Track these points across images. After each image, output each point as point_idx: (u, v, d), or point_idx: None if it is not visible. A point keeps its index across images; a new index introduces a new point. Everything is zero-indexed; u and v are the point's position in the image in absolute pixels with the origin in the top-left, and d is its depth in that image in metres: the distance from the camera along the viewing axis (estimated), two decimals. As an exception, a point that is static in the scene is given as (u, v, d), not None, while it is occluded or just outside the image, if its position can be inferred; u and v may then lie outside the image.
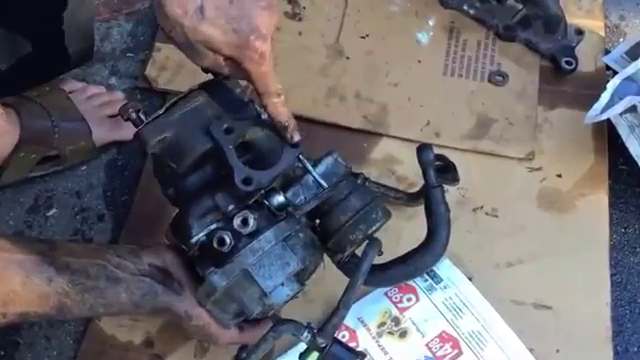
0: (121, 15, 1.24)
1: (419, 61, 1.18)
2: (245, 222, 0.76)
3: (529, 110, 1.13)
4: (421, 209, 0.87)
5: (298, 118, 1.04)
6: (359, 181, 0.88)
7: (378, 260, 0.82)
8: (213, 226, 0.79)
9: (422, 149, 0.85)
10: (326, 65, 1.18)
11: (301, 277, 0.82)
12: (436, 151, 0.86)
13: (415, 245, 0.85)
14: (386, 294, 0.94)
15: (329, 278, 0.86)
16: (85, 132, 1.08)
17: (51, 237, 1.06)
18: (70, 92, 1.10)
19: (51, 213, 1.08)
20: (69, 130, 1.06)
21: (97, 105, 1.11)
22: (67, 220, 1.07)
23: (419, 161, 0.84)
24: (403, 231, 0.99)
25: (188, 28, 0.75)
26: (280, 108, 0.80)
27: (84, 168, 1.11)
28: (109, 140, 1.11)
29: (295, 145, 0.81)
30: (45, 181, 1.09)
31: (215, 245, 0.76)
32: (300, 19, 1.22)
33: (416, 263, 0.85)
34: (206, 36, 0.75)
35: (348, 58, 1.18)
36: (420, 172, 0.86)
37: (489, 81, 1.15)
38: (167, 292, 0.81)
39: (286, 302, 0.81)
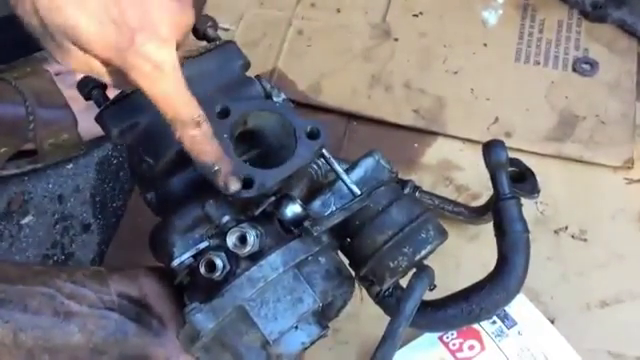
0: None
1: (485, 44, 1.11)
2: (243, 240, 0.64)
3: (625, 106, 1.04)
4: (486, 227, 0.82)
5: (334, 112, 1.03)
6: (406, 190, 0.83)
7: (430, 295, 0.72)
8: (203, 244, 0.68)
9: (491, 146, 0.75)
10: (370, 48, 1.11)
11: (324, 316, 0.70)
12: (507, 155, 0.79)
13: (479, 274, 0.75)
14: (441, 339, 0.86)
15: (367, 312, 0.79)
16: (68, 122, 0.98)
17: (24, 249, 0.97)
18: (57, 74, 1.00)
19: (26, 221, 1.00)
20: (48, 119, 0.96)
21: None
22: (45, 230, 0.99)
23: (487, 162, 0.75)
24: (463, 255, 0.92)
25: (42, 3, 0.53)
26: (202, 144, 0.61)
27: (70, 167, 1.04)
28: (102, 133, 0.97)
29: (314, 136, 0.67)
30: (22, 181, 1.02)
31: (203, 271, 0.65)
32: (338, -8, 1.18)
33: (482, 301, 0.74)
34: (68, 22, 0.54)
35: (397, 40, 1.12)
36: (485, 180, 0.76)
37: (574, 70, 1.08)
38: (142, 332, 0.69)
39: (303, 350, 0.69)
